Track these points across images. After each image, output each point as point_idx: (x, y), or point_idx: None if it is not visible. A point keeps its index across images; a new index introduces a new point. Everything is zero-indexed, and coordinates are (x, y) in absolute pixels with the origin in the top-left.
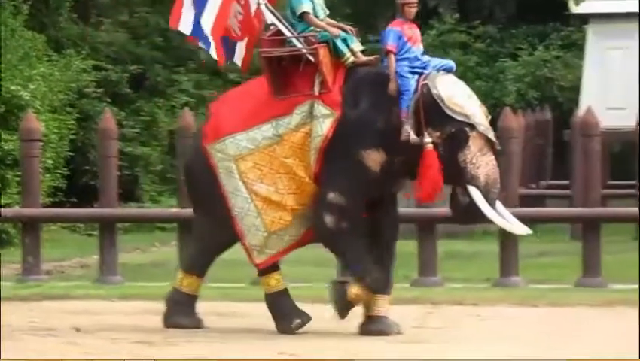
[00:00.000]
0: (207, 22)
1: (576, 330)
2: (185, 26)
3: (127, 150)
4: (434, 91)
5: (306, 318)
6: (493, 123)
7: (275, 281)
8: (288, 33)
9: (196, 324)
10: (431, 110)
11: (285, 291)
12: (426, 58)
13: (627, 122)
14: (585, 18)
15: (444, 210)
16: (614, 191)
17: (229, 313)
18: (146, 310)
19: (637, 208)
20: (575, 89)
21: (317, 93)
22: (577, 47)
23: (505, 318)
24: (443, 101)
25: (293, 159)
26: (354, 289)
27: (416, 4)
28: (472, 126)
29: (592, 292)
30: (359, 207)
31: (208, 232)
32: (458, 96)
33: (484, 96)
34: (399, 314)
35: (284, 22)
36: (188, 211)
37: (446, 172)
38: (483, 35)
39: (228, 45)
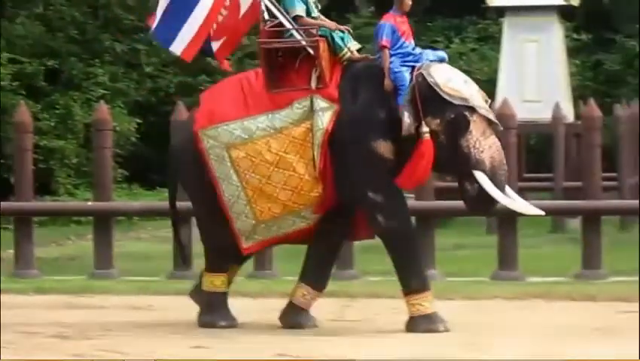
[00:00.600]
0: (191, 25)
1: (492, 323)
2: (154, 24)
3: (43, 143)
4: (429, 79)
5: (232, 323)
6: None
7: (220, 283)
8: (288, 25)
9: (233, 322)
10: (428, 98)
11: (225, 295)
12: (418, 50)
13: (543, 114)
14: (501, 11)
15: None
16: (530, 184)
17: (145, 307)
18: (62, 304)
19: (553, 201)
20: (491, 82)
21: (314, 88)
22: (493, 40)
23: None
24: (439, 86)
25: (294, 155)
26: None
27: None
28: (472, 109)
29: (509, 285)
30: (399, 199)
31: (212, 226)
32: (455, 81)
33: None
34: (316, 308)
35: (286, 15)
36: (103, 204)
37: (450, 160)
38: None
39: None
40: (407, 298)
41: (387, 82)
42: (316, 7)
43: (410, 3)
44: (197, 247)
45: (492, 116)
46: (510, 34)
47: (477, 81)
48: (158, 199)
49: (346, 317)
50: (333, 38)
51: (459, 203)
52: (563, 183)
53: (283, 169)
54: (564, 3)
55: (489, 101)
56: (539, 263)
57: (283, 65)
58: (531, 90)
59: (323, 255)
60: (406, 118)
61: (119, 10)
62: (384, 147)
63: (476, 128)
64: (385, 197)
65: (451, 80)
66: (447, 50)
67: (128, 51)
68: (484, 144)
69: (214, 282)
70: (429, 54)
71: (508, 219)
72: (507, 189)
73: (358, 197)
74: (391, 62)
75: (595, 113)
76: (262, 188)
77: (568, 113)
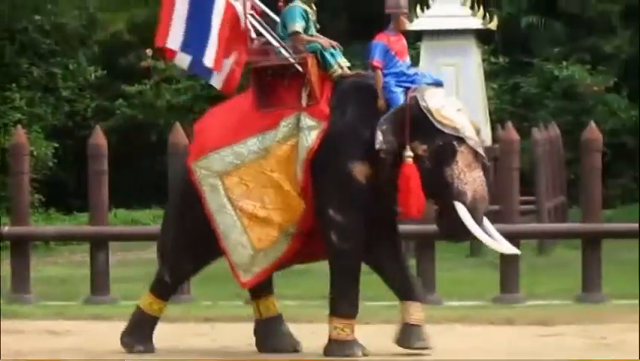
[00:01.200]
0: (211, 47)
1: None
2: (174, 43)
3: None
4: (422, 103)
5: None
6: None
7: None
8: (276, 43)
9: (150, 349)
10: (419, 123)
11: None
12: (412, 71)
13: None
14: (418, 35)
15: None
16: None
17: (62, 332)
18: None
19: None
20: None
21: (304, 105)
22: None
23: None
24: (431, 113)
25: (279, 173)
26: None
27: (405, 15)
28: (461, 140)
29: (427, 309)
30: (357, 223)
31: (181, 257)
32: (448, 109)
33: None
34: (233, 332)
35: (272, 32)
36: (20, 229)
37: (431, 187)
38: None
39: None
40: (332, 320)
41: (381, 102)
42: (315, 26)
43: (406, 22)
44: (114, 272)
45: (480, 149)
46: (428, 58)
47: None
48: (75, 223)
49: None
50: (323, 55)
51: None
52: None
53: (272, 188)
54: (481, 27)
55: (480, 130)
56: (457, 287)
57: (273, 83)
58: None
59: (389, 268)
60: (379, 136)
61: (36, 35)
62: (359, 169)
63: (462, 159)
64: (345, 218)
65: (444, 108)
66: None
67: (44, 75)
68: (468, 177)
69: (153, 306)
70: (426, 76)
71: (426, 243)
72: (486, 223)
73: (319, 213)
74: (386, 82)
75: (512, 136)
76: (256, 214)
77: (486, 137)
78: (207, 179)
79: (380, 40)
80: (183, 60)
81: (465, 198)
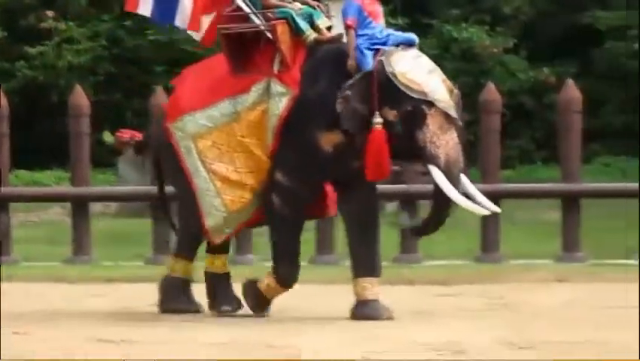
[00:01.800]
0: (184, 10)
1: (310, 308)
2: (144, 8)
3: None
4: (387, 68)
5: (236, 306)
6: None
7: (220, 263)
8: (246, 9)
9: (195, 308)
10: (386, 88)
11: (228, 275)
12: (385, 32)
13: None
14: None
15: None
16: None
17: None
18: None
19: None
20: None
21: (276, 71)
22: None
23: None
24: (397, 77)
25: (250, 138)
26: (265, 282)
27: None
28: (430, 103)
29: (327, 269)
30: (307, 190)
31: (186, 212)
32: (416, 72)
33: None
34: (134, 293)
35: None
36: None
37: (405, 152)
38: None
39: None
40: (268, 281)
41: (350, 62)
42: None
43: None
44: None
45: (452, 112)
46: None
47: None
48: None
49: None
50: (294, 20)
51: None
52: None
53: (242, 152)
54: None
55: (455, 91)
56: None
57: (247, 49)
58: None
59: (355, 239)
60: (339, 104)
61: None
62: (328, 137)
63: (433, 122)
64: (292, 183)
65: (412, 71)
66: None
67: None
68: (441, 139)
69: (175, 266)
70: (398, 37)
71: None
72: (467, 184)
73: (271, 173)
74: (358, 44)
75: None
76: (229, 177)
77: None
78: (183, 141)
79: (355, 1)
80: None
81: (439, 161)
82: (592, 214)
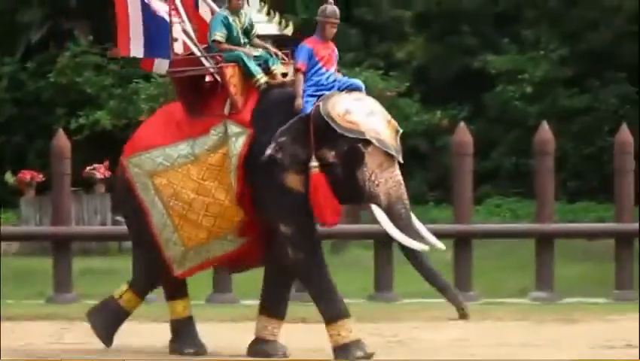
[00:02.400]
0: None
1: (207, 344)
2: (137, 50)
3: None
4: (322, 110)
5: (201, 350)
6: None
7: (181, 308)
8: (197, 52)
9: (111, 342)
10: (324, 130)
11: (190, 319)
12: (333, 78)
13: None
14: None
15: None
16: None
17: None
18: None
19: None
20: None
21: (227, 113)
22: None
23: (137, 333)
24: (333, 119)
25: (211, 182)
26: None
27: (336, 25)
28: (367, 142)
29: (224, 308)
30: (307, 231)
31: (141, 249)
32: (354, 112)
33: (118, 116)
34: (34, 331)
35: (195, 40)
36: None
37: (346, 193)
38: (116, 57)
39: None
40: (327, 329)
41: (298, 102)
42: (246, 33)
43: (333, 31)
44: None
45: (391, 150)
46: None
47: None
48: None
49: (65, 340)
50: (245, 64)
51: None
52: None
53: (203, 196)
54: (277, 33)
55: (400, 132)
56: (253, 286)
57: (203, 92)
58: None
59: (274, 280)
60: (274, 147)
61: None
62: (292, 178)
63: (372, 160)
64: (293, 229)
65: (349, 112)
66: (165, 78)
67: None
68: (380, 178)
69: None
70: (343, 83)
71: None
72: (415, 221)
73: (273, 230)
74: (306, 88)
75: None
76: (186, 215)
77: None
78: (139, 177)
79: (307, 45)
80: (161, 65)
81: (378, 200)
82: (483, 254)
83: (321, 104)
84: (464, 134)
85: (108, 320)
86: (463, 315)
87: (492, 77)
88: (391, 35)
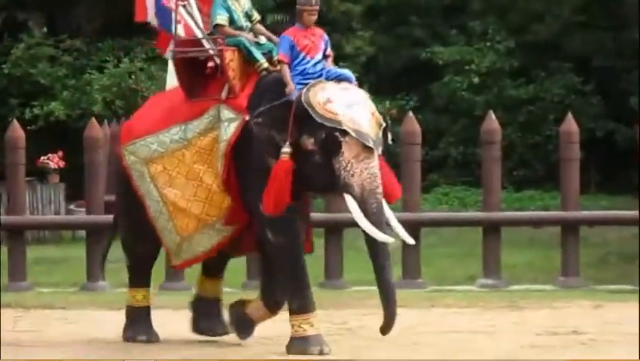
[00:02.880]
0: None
1: (160, 332)
2: (152, 19)
3: None
4: (303, 97)
5: (154, 338)
6: (80, 134)
7: (141, 297)
8: (199, 34)
9: (153, 338)
10: (304, 118)
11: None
12: (320, 67)
13: None
14: None
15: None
16: None
17: None
18: None
19: None
20: None
21: (224, 98)
22: (161, 60)
23: (91, 321)
24: (312, 106)
25: (201, 165)
26: (254, 306)
27: (315, 12)
28: (344, 132)
29: (176, 295)
30: (289, 216)
31: (134, 241)
32: (335, 102)
33: (72, 107)
34: None
35: (199, 22)
36: None
37: (322, 181)
38: (70, 49)
39: None
40: (289, 318)
41: (289, 88)
42: (248, 17)
43: (313, 17)
44: None
45: (368, 141)
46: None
47: (145, 99)
48: None
49: (19, 328)
50: (247, 48)
51: None
52: None
53: (193, 180)
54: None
55: (384, 125)
56: None
57: (201, 74)
58: None
59: (265, 269)
60: (253, 128)
61: None
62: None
63: (349, 150)
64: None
65: (330, 101)
66: (118, 70)
67: None
68: (355, 168)
69: (136, 297)
70: (332, 72)
71: None
72: (388, 214)
73: (252, 212)
74: (292, 78)
75: None
76: (177, 203)
77: None
78: (135, 165)
79: (287, 35)
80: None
81: (352, 190)
82: (431, 242)
83: (304, 91)
84: (412, 124)
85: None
86: (383, 329)
87: (440, 67)
88: (341, 29)
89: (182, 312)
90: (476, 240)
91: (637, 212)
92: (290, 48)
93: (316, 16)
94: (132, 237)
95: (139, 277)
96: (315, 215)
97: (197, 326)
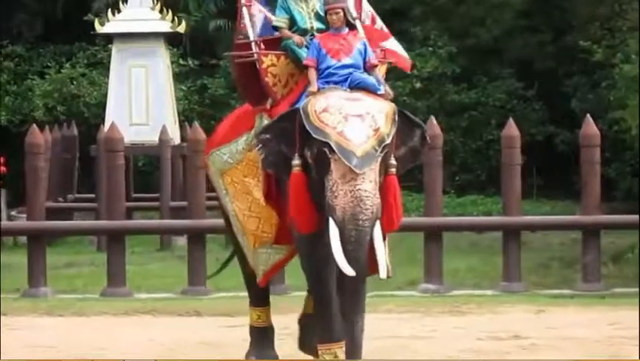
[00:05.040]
0: None
1: (101, 339)
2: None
3: None
4: (303, 105)
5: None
6: (21, 140)
7: (255, 316)
8: (251, 36)
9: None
10: (304, 128)
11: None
12: (347, 71)
13: (150, 137)
14: (110, 37)
15: None
16: (138, 204)
17: None
18: None
19: (160, 220)
20: (101, 106)
21: (268, 107)
22: (102, 66)
23: (33, 328)
24: (307, 115)
25: (251, 178)
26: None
27: (336, 11)
28: (332, 148)
29: (117, 302)
30: (311, 238)
31: (239, 258)
32: (331, 112)
33: (13, 113)
34: None
35: (256, 25)
36: None
37: (319, 200)
38: (11, 54)
39: None
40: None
41: (310, 90)
42: (320, 18)
43: (335, 17)
44: None
45: (350, 161)
46: (119, 60)
47: (87, 105)
48: None
49: None
50: (293, 51)
51: (70, 223)
52: (170, 202)
53: (247, 194)
54: (170, 30)
55: (384, 143)
56: (147, 280)
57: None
58: (139, 114)
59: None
60: (258, 146)
61: None
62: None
63: (336, 169)
64: (298, 235)
65: (327, 111)
66: (60, 75)
67: None
68: (340, 189)
69: (252, 315)
70: (356, 79)
71: (116, 237)
72: (376, 243)
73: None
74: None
75: (199, 136)
76: (240, 217)
77: (175, 136)
78: (213, 176)
79: (315, 39)
80: None
81: (334, 214)
82: None
83: (307, 97)
84: (433, 128)
85: None
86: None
87: None
88: None
89: (123, 319)
90: (418, 245)
91: (578, 217)
92: (317, 51)
93: (340, 16)
94: (238, 253)
95: (250, 295)
96: None
97: (304, 343)
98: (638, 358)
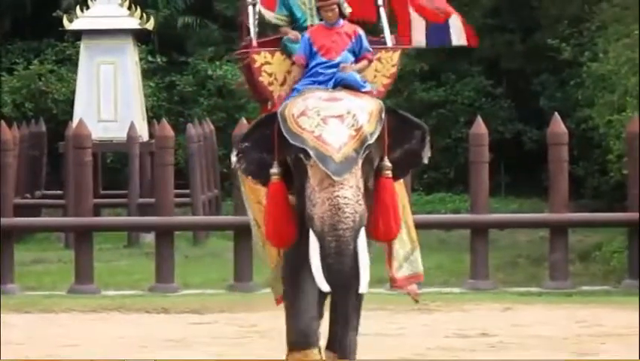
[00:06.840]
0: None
1: (68, 335)
2: (420, 38)
3: None
4: (280, 109)
5: None
6: None
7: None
8: (252, 35)
9: None
10: (281, 133)
11: None
12: (332, 70)
13: (118, 134)
14: (78, 34)
15: None
16: (106, 200)
17: None
18: None
19: (128, 217)
20: (69, 102)
21: (269, 106)
22: (71, 62)
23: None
24: (285, 120)
25: (261, 185)
26: None
27: (332, 8)
28: (307, 153)
29: (85, 299)
30: (291, 259)
31: None
32: (309, 116)
33: None
34: None
35: (255, 22)
36: None
37: (300, 210)
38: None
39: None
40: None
41: None
42: (317, 13)
43: (330, 14)
44: None
45: (327, 167)
46: (87, 56)
47: (55, 102)
48: None
49: None
50: (286, 47)
51: (38, 219)
52: (138, 199)
53: (257, 203)
54: (139, 27)
55: (365, 144)
56: (114, 277)
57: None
58: (108, 110)
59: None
60: (233, 155)
61: None
62: None
63: (313, 175)
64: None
65: (305, 114)
66: (28, 72)
67: None
68: (317, 197)
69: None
70: (337, 76)
71: (84, 234)
72: (362, 252)
73: None
74: (300, 82)
75: (167, 132)
76: (256, 224)
77: (143, 133)
78: (239, 179)
79: (306, 33)
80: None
81: (313, 223)
82: None
83: (288, 100)
84: (480, 127)
85: None
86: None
87: None
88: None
89: (90, 315)
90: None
91: (545, 215)
92: (307, 48)
93: (335, 12)
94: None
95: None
96: (224, 218)
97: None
98: (638, 358)
